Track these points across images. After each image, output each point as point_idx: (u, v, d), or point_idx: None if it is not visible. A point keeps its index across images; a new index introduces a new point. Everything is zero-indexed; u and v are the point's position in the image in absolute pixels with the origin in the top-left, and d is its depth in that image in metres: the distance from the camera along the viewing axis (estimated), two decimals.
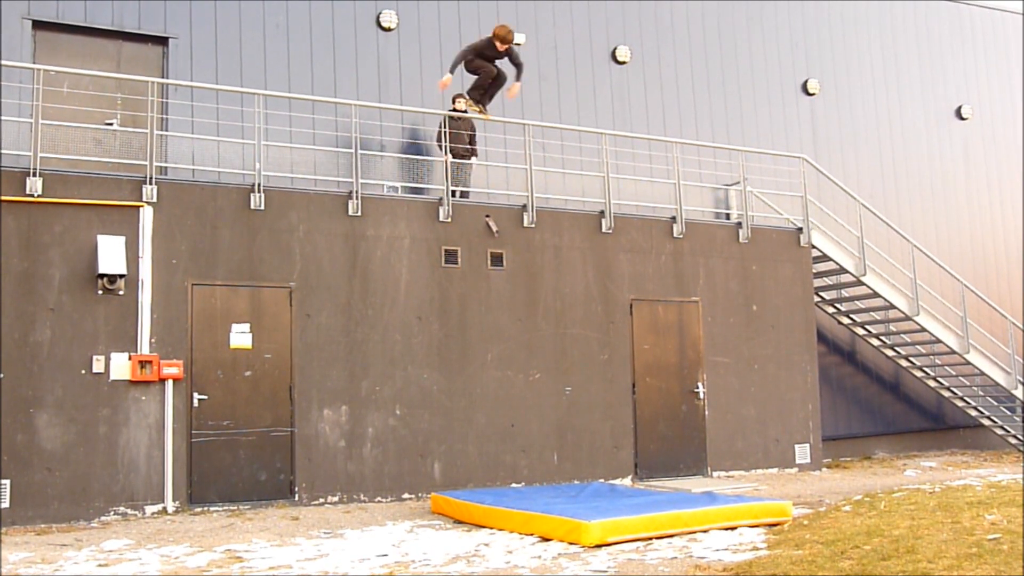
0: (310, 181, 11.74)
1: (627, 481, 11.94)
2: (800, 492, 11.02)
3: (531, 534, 8.06)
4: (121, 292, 9.72)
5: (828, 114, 16.74)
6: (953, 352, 14.92)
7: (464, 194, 12.19)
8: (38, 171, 9.53)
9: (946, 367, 15.77)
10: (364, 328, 10.80)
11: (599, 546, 7.47)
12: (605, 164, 12.53)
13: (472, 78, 12.33)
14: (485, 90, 12.24)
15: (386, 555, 7.46)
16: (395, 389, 10.86)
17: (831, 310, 15.37)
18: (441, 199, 11.40)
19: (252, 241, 10.41)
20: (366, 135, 11.95)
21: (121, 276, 9.67)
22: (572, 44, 14.65)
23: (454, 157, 11.98)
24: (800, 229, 13.88)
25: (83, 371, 9.49)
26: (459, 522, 9.11)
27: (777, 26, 16.49)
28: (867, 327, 15.36)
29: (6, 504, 9.01)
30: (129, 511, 9.51)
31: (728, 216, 14.67)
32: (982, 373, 15.07)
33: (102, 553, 7.64)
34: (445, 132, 11.91)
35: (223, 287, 10.23)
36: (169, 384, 9.83)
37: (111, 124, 11.32)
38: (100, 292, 9.65)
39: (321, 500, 10.35)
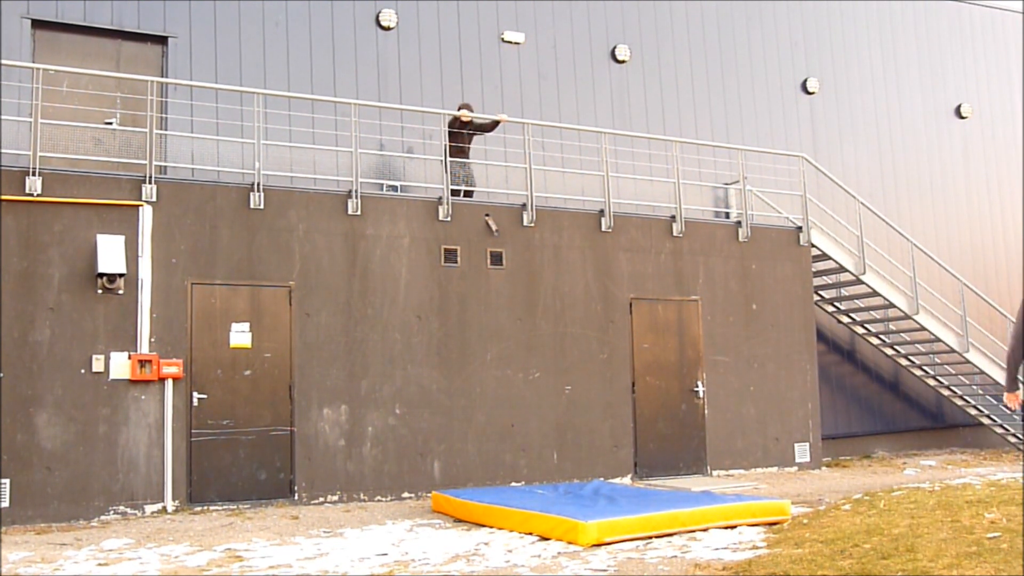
0: (309, 180, 11.74)
1: (627, 480, 11.94)
2: (800, 491, 11.02)
3: (530, 533, 8.06)
4: (121, 291, 9.72)
5: (828, 113, 16.74)
6: (953, 351, 14.93)
7: (468, 193, 12.19)
8: (38, 170, 9.53)
9: (946, 366, 15.77)
10: (364, 327, 10.81)
11: (597, 545, 7.48)
12: (605, 163, 12.53)
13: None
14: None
15: (386, 554, 7.47)
16: (395, 388, 10.86)
17: (831, 309, 15.37)
18: (441, 198, 11.40)
19: (251, 240, 10.41)
20: (365, 134, 11.95)
21: (121, 275, 9.67)
22: (572, 44, 14.65)
23: (454, 157, 12.03)
24: (800, 228, 13.88)
25: (83, 370, 9.49)
26: (459, 521, 9.11)
27: (777, 25, 16.49)
28: (867, 326, 15.37)
29: (6, 503, 9.02)
30: (129, 510, 9.51)
31: (728, 215, 14.67)
32: (982, 372, 15.07)
33: (102, 552, 7.65)
34: (446, 145, 11.83)
35: (223, 286, 10.23)
36: (169, 383, 9.83)
37: (111, 123, 11.32)
38: (100, 291, 9.65)
39: (321, 499, 10.36)
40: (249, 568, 6.97)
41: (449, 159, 11.76)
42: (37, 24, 11.52)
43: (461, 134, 12.24)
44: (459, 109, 12.45)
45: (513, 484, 11.26)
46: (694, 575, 6.42)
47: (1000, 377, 15.11)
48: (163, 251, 9.98)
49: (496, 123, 12.51)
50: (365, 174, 11.81)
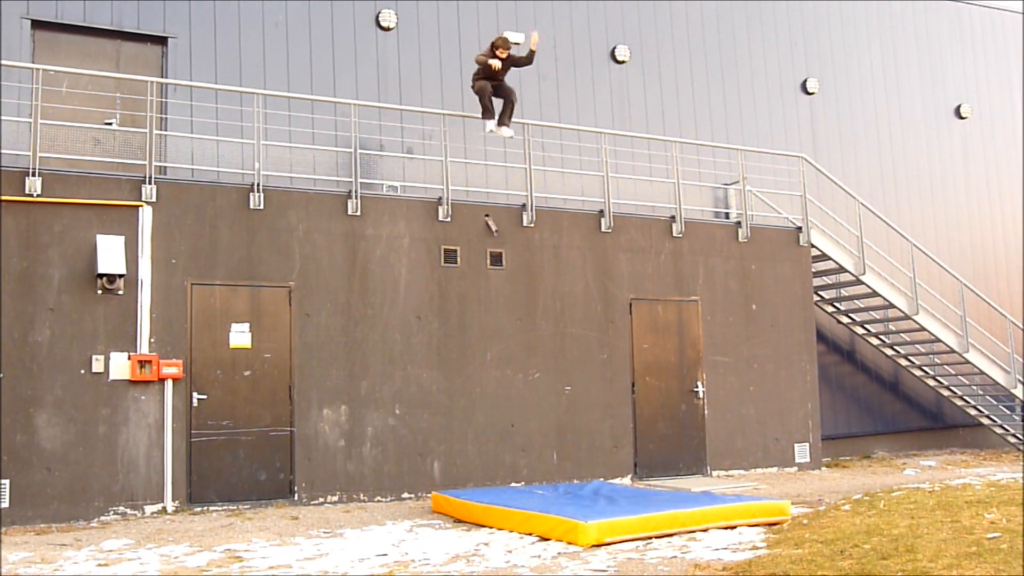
0: (309, 181, 11.74)
1: (626, 480, 11.94)
2: (799, 491, 11.02)
3: (530, 533, 8.06)
4: (120, 292, 9.72)
5: (827, 113, 16.74)
6: (952, 351, 14.93)
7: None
8: (37, 171, 9.53)
9: (945, 366, 15.77)
10: (363, 328, 10.80)
11: (597, 546, 7.48)
12: (604, 163, 12.53)
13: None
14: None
15: (386, 554, 7.46)
16: (394, 389, 10.86)
17: (830, 309, 15.37)
18: (440, 198, 11.40)
19: (251, 241, 10.40)
20: (365, 135, 11.95)
21: (120, 276, 9.67)
22: (572, 44, 14.65)
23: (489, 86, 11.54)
24: (799, 228, 13.88)
25: (82, 371, 9.49)
26: (459, 521, 9.11)
27: (777, 26, 16.49)
28: (866, 326, 15.37)
29: (6, 504, 9.01)
30: (129, 511, 9.51)
31: (727, 215, 14.67)
32: (981, 372, 15.07)
33: (102, 553, 7.65)
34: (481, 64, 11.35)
35: (222, 287, 10.23)
36: (168, 384, 9.83)
37: (110, 124, 11.32)
38: (99, 292, 9.64)
39: (321, 500, 10.35)
40: (249, 568, 6.97)
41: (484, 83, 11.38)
42: (37, 24, 11.52)
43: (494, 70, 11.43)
44: (493, 46, 11.42)
45: (513, 484, 11.26)
46: (694, 575, 6.42)
47: (1000, 377, 15.12)
48: (163, 251, 9.98)
49: (532, 53, 11.64)
50: (365, 174, 11.81)
